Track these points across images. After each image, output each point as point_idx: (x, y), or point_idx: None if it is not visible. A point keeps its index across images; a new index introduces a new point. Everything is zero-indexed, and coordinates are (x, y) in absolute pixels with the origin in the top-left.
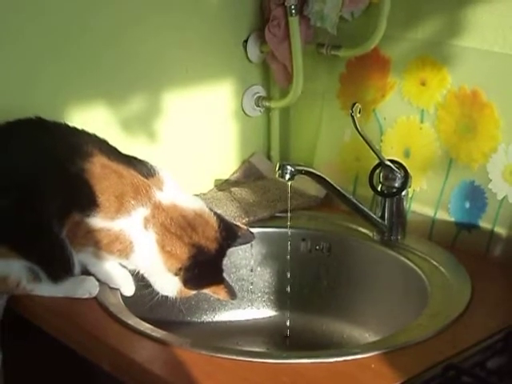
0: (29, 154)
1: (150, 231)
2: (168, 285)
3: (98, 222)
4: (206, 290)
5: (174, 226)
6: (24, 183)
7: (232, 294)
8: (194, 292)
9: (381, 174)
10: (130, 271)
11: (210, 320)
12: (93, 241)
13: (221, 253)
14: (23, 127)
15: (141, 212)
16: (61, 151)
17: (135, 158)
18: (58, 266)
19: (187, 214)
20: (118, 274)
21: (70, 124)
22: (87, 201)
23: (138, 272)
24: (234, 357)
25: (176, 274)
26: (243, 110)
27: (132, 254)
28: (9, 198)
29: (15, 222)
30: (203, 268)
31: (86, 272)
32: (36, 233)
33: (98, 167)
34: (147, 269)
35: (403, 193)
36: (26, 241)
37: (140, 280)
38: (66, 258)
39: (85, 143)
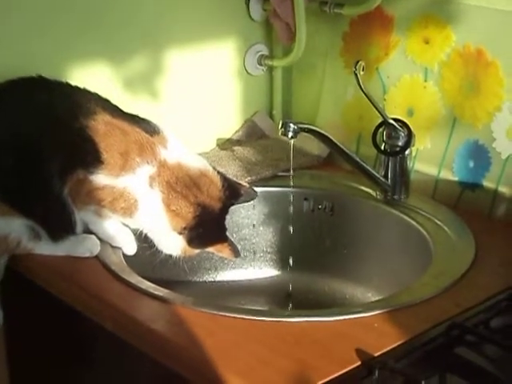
0: (30, 111)
1: (155, 189)
2: (172, 244)
3: (101, 179)
4: (210, 249)
5: (180, 184)
6: (25, 141)
7: (235, 251)
8: (197, 251)
9: (384, 133)
10: (132, 231)
11: (212, 280)
12: (96, 199)
13: (224, 211)
14: (25, 85)
15: (146, 169)
16: (63, 109)
17: (138, 117)
18: (59, 225)
19: (192, 174)
20: (119, 232)
21: (72, 83)
22: (91, 158)
23: (141, 232)
24: (237, 315)
25: (180, 233)
26: (245, 68)
27: (136, 212)
28: (9, 155)
29: (15, 179)
30: (207, 227)
31: (87, 231)
32: (37, 191)
33: (101, 124)
34: (151, 228)
35: (407, 152)
36: (27, 199)
37: (143, 240)
38: (67, 216)
39: (87, 101)
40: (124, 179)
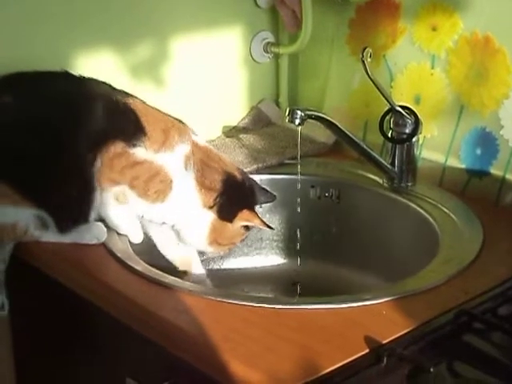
0: (59, 95)
1: (189, 171)
2: (201, 223)
3: (142, 153)
4: (240, 220)
5: (211, 159)
6: (46, 127)
7: (266, 223)
8: (224, 247)
9: (391, 120)
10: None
11: (218, 267)
12: (131, 175)
13: (243, 184)
14: (49, 75)
15: (183, 149)
16: (95, 90)
17: None
18: (71, 216)
19: (216, 152)
20: (126, 220)
21: (76, 72)
22: (134, 128)
23: (173, 226)
24: (243, 302)
25: (211, 207)
26: (252, 56)
27: (170, 193)
28: (28, 143)
29: (33, 168)
30: (233, 191)
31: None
32: (57, 178)
33: (138, 103)
34: (180, 216)
35: (414, 139)
36: (43, 189)
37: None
38: (85, 205)
39: (114, 91)
40: (163, 156)
